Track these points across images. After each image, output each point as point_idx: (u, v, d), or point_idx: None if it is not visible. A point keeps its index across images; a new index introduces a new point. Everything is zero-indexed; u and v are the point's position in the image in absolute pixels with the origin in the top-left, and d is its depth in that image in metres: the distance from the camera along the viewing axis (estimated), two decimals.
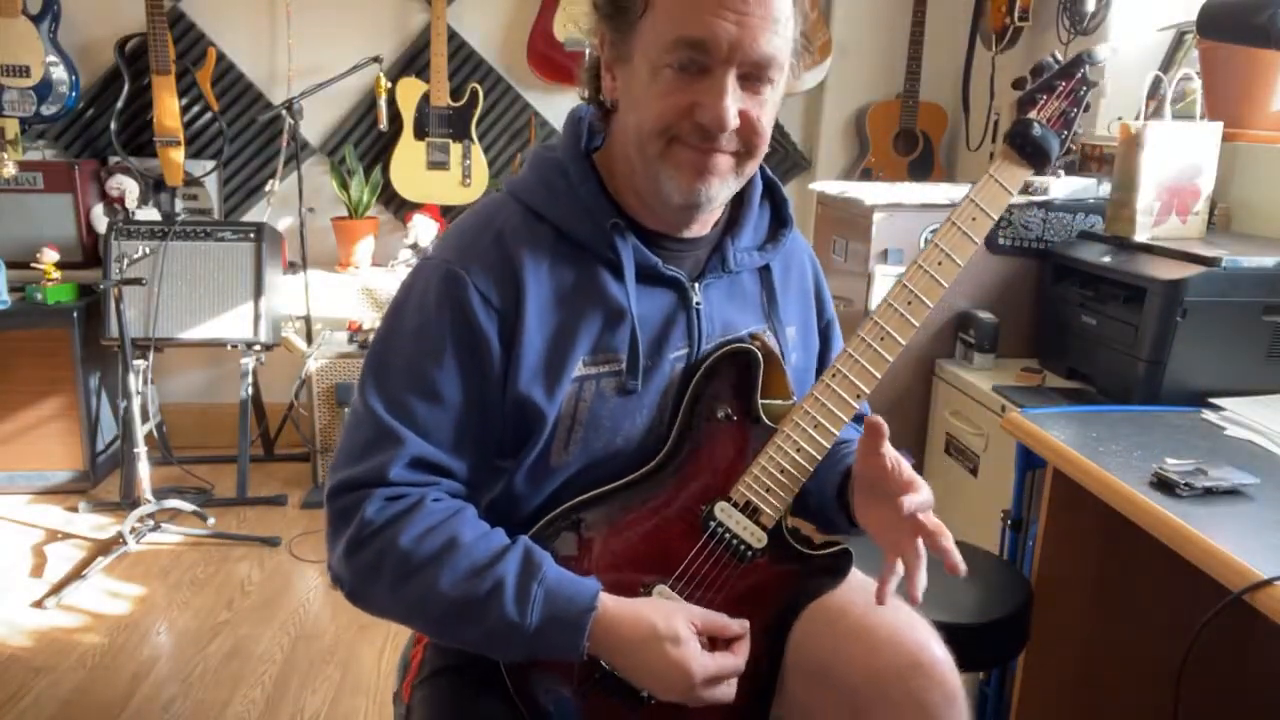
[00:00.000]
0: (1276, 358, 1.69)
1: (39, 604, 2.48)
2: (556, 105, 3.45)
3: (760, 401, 1.03)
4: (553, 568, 0.94)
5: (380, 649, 2.32)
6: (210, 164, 3.37)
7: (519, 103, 3.48)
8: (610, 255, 1.00)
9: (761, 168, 1.07)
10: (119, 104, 3.24)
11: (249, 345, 3.09)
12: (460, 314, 0.96)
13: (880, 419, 0.96)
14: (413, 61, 3.40)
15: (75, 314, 3.02)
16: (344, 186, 3.35)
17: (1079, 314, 1.93)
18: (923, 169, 3.42)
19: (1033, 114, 1.03)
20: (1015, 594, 1.48)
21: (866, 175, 3.39)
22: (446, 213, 3.42)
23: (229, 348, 3.11)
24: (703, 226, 1.06)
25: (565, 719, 1.01)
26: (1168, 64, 2.42)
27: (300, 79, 3.30)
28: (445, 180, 3.38)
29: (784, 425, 1.00)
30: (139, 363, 2.88)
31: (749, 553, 1.01)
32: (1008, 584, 1.51)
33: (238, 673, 2.21)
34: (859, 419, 1.04)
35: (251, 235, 3.08)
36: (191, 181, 3.35)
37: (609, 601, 0.93)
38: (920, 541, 0.98)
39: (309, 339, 3.26)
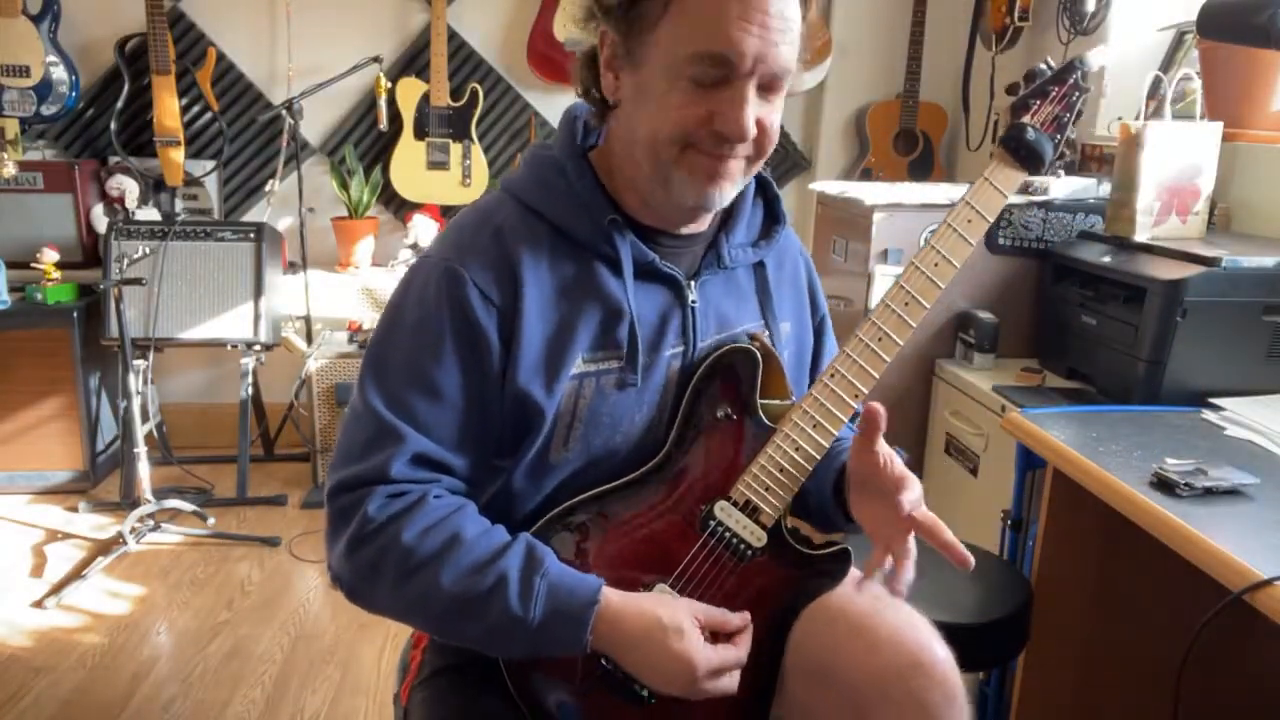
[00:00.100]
0: (1276, 358, 1.69)
1: (39, 604, 2.48)
2: (556, 105, 3.45)
3: (759, 402, 1.03)
4: (555, 563, 0.95)
5: (380, 649, 2.32)
6: (210, 164, 3.37)
7: (519, 103, 3.48)
8: (608, 251, 1.01)
9: None
10: (119, 104, 3.24)
11: (249, 345, 3.09)
12: (459, 311, 0.97)
13: (879, 406, 0.97)
14: (413, 61, 3.40)
15: (75, 314, 3.02)
16: (344, 186, 3.35)
17: (1079, 314, 1.93)
18: (923, 169, 3.42)
19: (1026, 119, 1.04)
20: (1015, 594, 1.48)
21: (866, 175, 3.39)
22: (446, 213, 3.42)
23: (229, 348, 3.11)
24: (700, 224, 1.06)
25: (566, 718, 1.01)
26: (1168, 64, 2.42)
27: (300, 79, 3.30)
28: (445, 180, 3.38)
29: (783, 425, 1.01)
30: (139, 363, 2.88)
31: (749, 552, 1.01)
32: (1008, 584, 1.51)
33: (238, 673, 2.21)
34: (854, 418, 1.04)
35: (251, 235, 3.08)
36: (191, 181, 3.35)
37: (612, 596, 0.93)
38: (911, 538, 0.99)
39: (309, 339, 3.26)
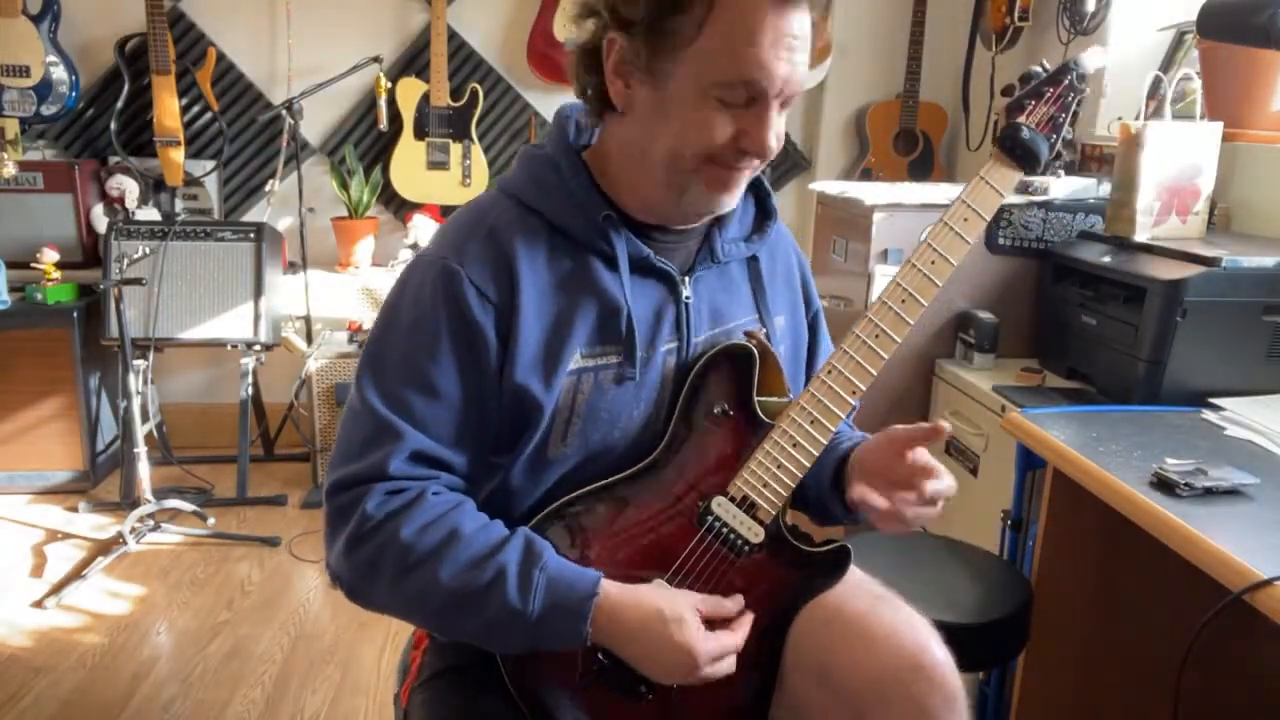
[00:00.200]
0: (1276, 358, 1.69)
1: (39, 604, 2.48)
2: (556, 105, 3.42)
3: (757, 399, 1.04)
4: (554, 556, 0.95)
5: (380, 649, 2.32)
6: (210, 164, 3.37)
7: (519, 103, 3.48)
8: (604, 247, 1.01)
9: None
10: (119, 104, 3.24)
11: (249, 345, 3.09)
12: (455, 308, 0.97)
13: (947, 427, 1.00)
14: (413, 61, 3.40)
15: (75, 314, 3.02)
16: (344, 186, 3.35)
17: (1079, 314, 1.93)
18: (923, 169, 3.42)
19: (1021, 119, 1.05)
20: (1015, 594, 1.48)
21: (866, 175, 3.39)
22: (446, 213, 3.42)
23: (229, 348, 3.11)
24: (695, 220, 1.07)
25: (565, 715, 1.01)
26: (1168, 64, 2.42)
27: (300, 79, 3.30)
28: (445, 180, 3.38)
29: (780, 421, 1.01)
30: (139, 363, 2.88)
31: (746, 547, 1.01)
32: (1008, 584, 1.51)
33: (238, 673, 2.21)
34: (850, 414, 1.05)
35: (251, 235, 3.08)
36: (191, 181, 3.35)
37: (611, 588, 0.93)
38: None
39: (309, 339, 3.26)
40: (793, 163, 3.59)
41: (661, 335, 1.04)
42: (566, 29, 3.28)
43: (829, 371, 1.01)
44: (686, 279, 1.06)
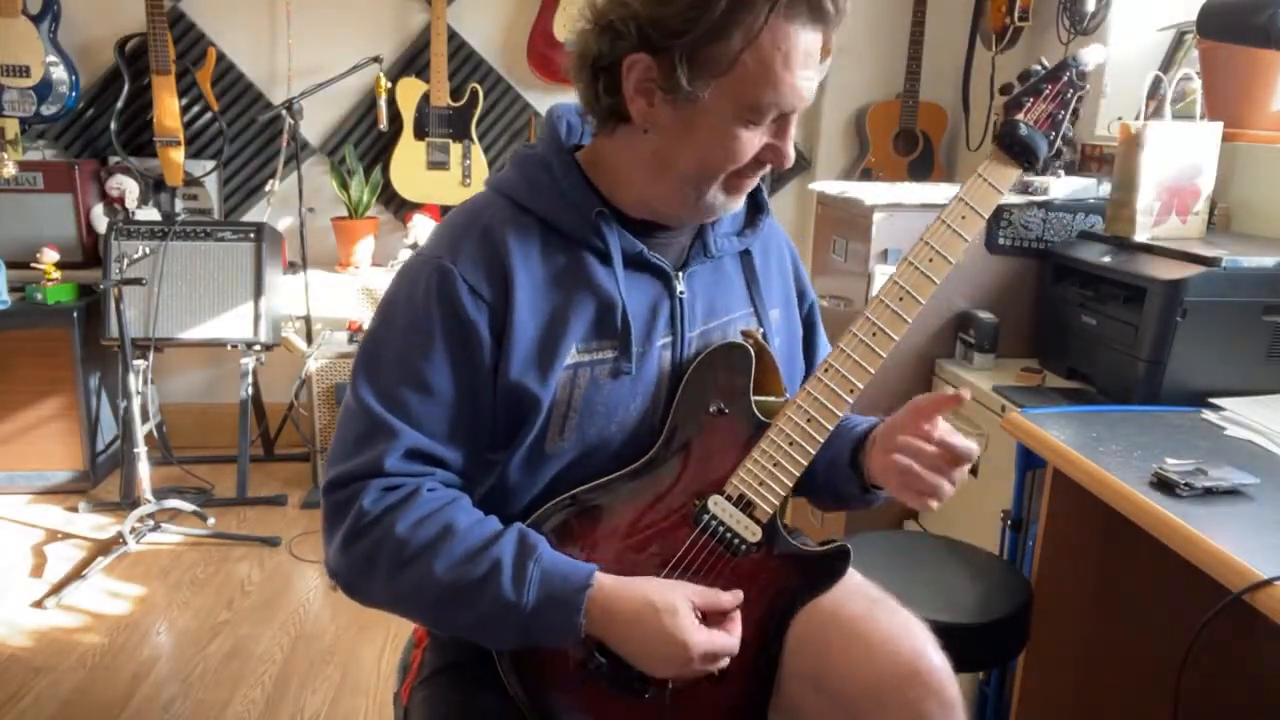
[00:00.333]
0: (1276, 358, 1.69)
1: (39, 604, 2.48)
2: None
3: (754, 398, 1.04)
4: (548, 549, 0.96)
5: (380, 649, 2.32)
6: (210, 164, 3.37)
7: (519, 103, 3.48)
8: (597, 243, 1.02)
9: None
10: (119, 104, 3.24)
11: (249, 345, 3.09)
12: (450, 307, 0.98)
13: (967, 394, 1.02)
14: (413, 61, 3.40)
15: (75, 314, 3.02)
16: (344, 186, 3.35)
17: (1079, 314, 1.93)
18: (923, 169, 3.42)
19: (1019, 116, 1.05)
20: (1015, 594, 1.48)
21: (866, 175, 3.39)
22: (446, 213, 3.42)
23: (229, 348, 3.11)
24: None
25: (563, 713, 1.01)
26: (1168, 64, 2.42)
27: (300, 79, 3.30)
28: (445, 180, 3.38)
29: (778, 420, 1.01)
30: (139, 363, 2.88)
31: (742, 546, 1.01)
32: (1008, 584, 1.51)
33: (238, 673, 2.21)
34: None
35: (251, 235, 3.08)
36: (191, 181, 3.35)
37: (605, 580, 0.94)
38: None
39: (309, 339, 3.26)
40: (792, 162, 3.59)
41: (657, 330, 1.04)
42: (566, 29, 3.28)
43: (826, 370, 1.01)
44: (680, 274, 1.06)
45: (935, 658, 0.99)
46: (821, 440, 1.01)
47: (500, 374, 0.99)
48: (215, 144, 3.39)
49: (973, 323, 2.12)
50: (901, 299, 1.02)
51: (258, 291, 3.07)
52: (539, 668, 1.00)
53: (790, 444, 1.01)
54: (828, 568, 1.04)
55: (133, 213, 3.25)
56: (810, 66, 0.94)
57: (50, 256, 3.04)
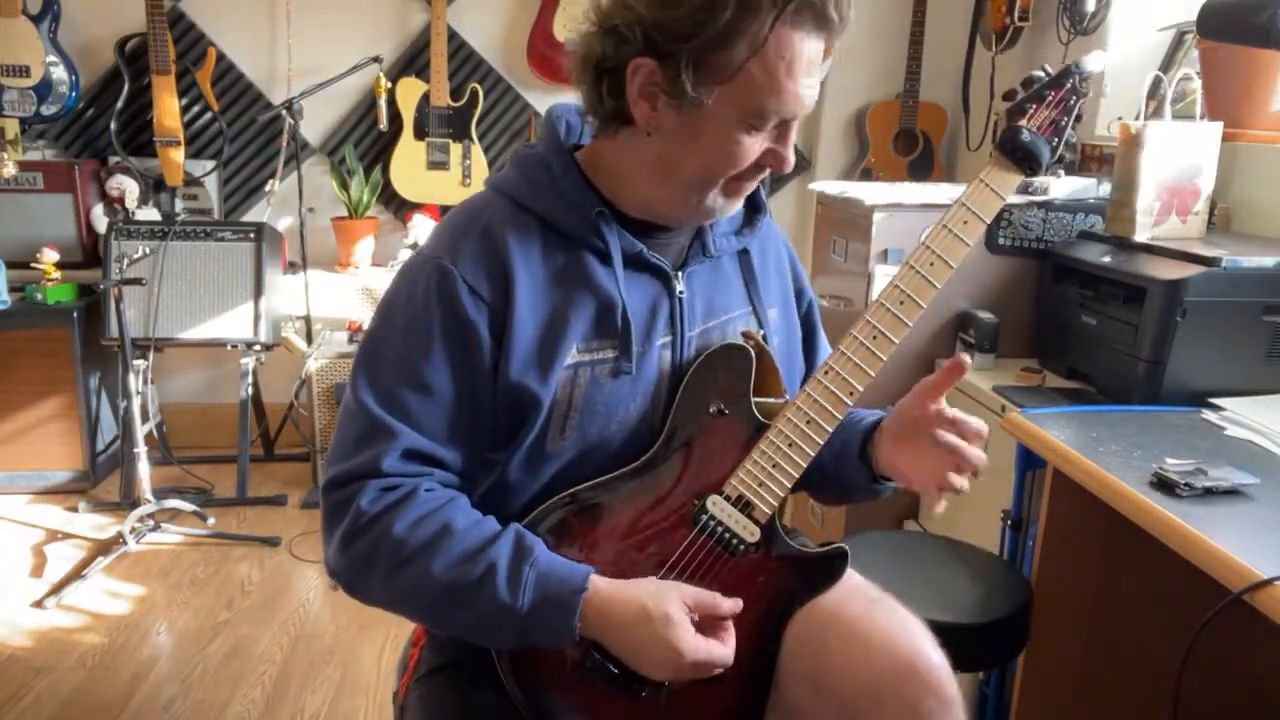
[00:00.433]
0: (1276, 358, 1.69)
1: (39, 604, 2.48)
2: None
3: (754, 399, 1.04)
4: (544, 551, 0.96)
5: (380, 649, 2.32)
6: (210, 164, 3.37)
7: (519, 103, 3.48)
8: (597, 243, 1.02)
9: None
10: (119, 104, 3.24)
11: (249, 345, 3.09)
12: (449, 307, 0.98)
13: (966, 359, 1.02)
14: (413, 61, 3.40)
15: (75, 314, 3.02)
16: (344, 186, 3.35)
17: (1079, 314, 1.93)
18: (923, 169, 3.42)
19: (1022, 122, 1.06)
20: (1015, 594, 1.48)
21: (866, 175, 3.39)
22: (446, 213, 3.42)
23: (229, 348, 3.11)
24: None
25: (560, 712, 1.01)
26: (1168, 64, 2.42)
27: (300, 79, 3.30)
28: (445, 180, 3.38)
29: (777, 421, 1.02)
30: (139, 363, 2.88)
31: (741, 546, 1.01)
32: (1008, 584, 1.51)
33: (238, 673, 2.21)
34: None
35: (251, 235, 3.08)
36: (191, 181, 3.35)
37: (600, 583, 0.94)
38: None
39: (309, 339, 3.26)
40: (792, 167, 3.59)
41: (656, 329, 1.04)
42: (566, 29, 3.28)
43: (826, 372, 1.01)
44: (679, 273, 1.07)
45: (933, 655, 0.99)
46: (821, 442, 1.01)
47: (500, 374, 0.99)
48: (215, 144, 3.39)
49: (973, 323, 2.12)
50: (902, 303, 1.02)
51: (258, 291, 3.07)
52: (536, 667, 1.00)
53: (790, 445, 1.01)
54: (826, 569, 1.04)
55: (133, 213, 3.25)
56: (813, 74, 0.95)
57: (50, 256, 3.04)
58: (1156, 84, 2.14)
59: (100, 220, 3.21)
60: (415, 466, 0.98)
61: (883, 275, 2.22)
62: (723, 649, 0.95)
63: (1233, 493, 1.23)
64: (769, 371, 1.06)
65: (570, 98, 1.08)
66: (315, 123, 3.40)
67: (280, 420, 3.38)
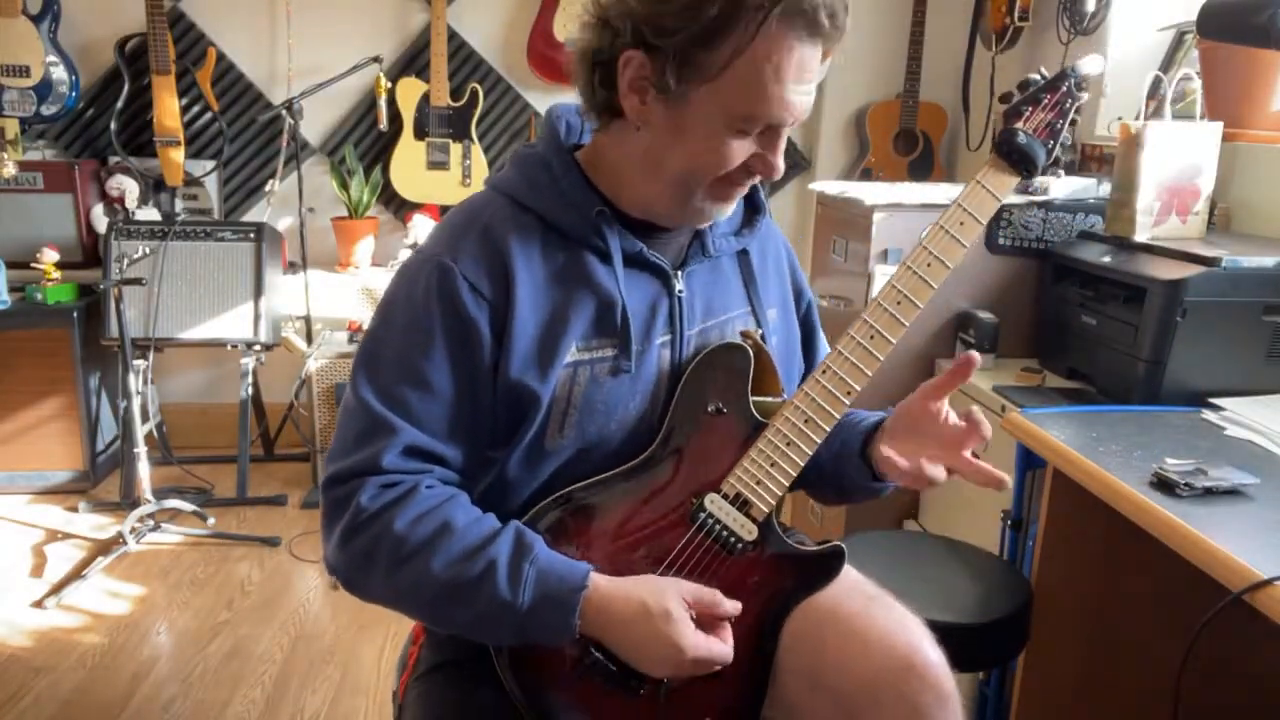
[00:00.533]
0: (1276, 358, 1.69)
1: (39, 604, 2.48)
2: None
3: (752, 398, 1.04)
4: (544, 549, 0.96)
5: (380, 649, 2.32)
6: (210, 164, 3.37)
7: (519, 103, 3.48)
8: (597, 242, 1.02)
9: None
10: (119, 104, 3.24)
11: (249, 345, 3.09)
12: (450, 305, 0.98)
13: (976, 356, 1.02)
14: (413, 61, 3.40)
15: (75, 314, 3.03)
16: (344, 186, 3.35)
17: (1079, 314, 1.93)
18: (923, 169, 3.42)
19: (1018, 124, 1.06)
20: (1015, 594, 1.48)
21: (866, 175, 3.39)
22: (446, 213, 3.42)
23: (229, 348, 3.11)
24: None
25: (559, 710, 1.01)
26: (1168, 64, 2.42)
27: (300, 79, 3.30)
28: (445, 180, 3.38)
29: (775, 420, 1.02)
30: (139, 363, 2.88)
31: (739, 545, 1.02)
32: (1008, 584, 1.51)
33: (238, 673, 2.21)
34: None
35: (251, 235, 3.08)
36: (191, 181, 3.35)
37: (600, 580, 0.94)
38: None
39: (309, 339, 3.26)
40: (793, 163, 3.59)
41: (656, 328, 1.05)
42: (566, 29, 3.28)
43: (824, 372, 1.02)
44: (679, 273, 1.07)
45: (931, 652, 0.99)
46: (819, 441, 1.01)
47: (500, 372, 0.99)
48: (215, 144, 3.39)
49: (973, 323, 2.12)
50: (899, 303, 1.02)
51: (258, 291, 3.07)
52: (535, 665, 1.01)
53: (787, 444, 1.01)
54: (823, 567, 1.05)
55: (133, 213, 3.25)
56: (804, 81, 0.93)
57: (50, 256, 3.04)
58: (1156, 84, 2.14)
59: (100, 220, 3.21)
60: (415, 463, 0.98)
61: (882, 275, 2.22)
62: (722, 646, 0.95)
63: (1233, 493, 1.23)
64: (767, 371, 1.07)
65: (570, 98, 1.08)
66: (315, 123, 3.40)
67: (280, 420, 3.38)
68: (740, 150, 0.96)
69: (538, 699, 1.01)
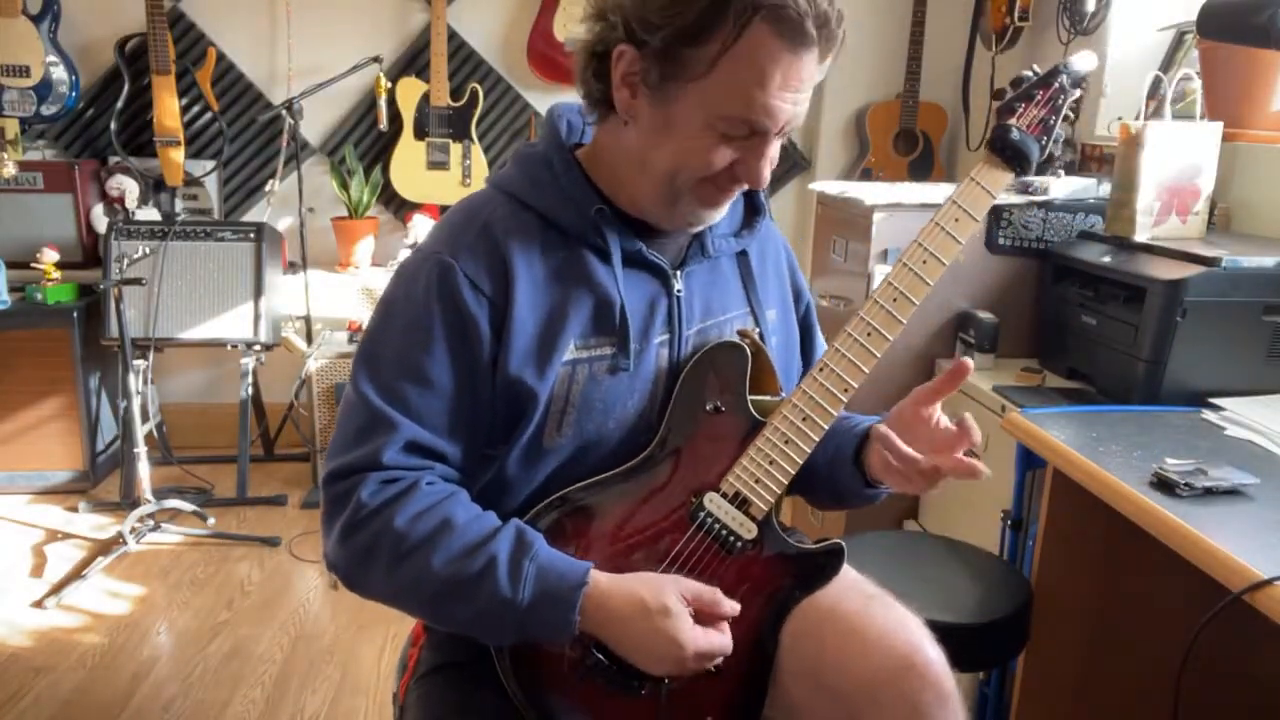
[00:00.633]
0: (1276, 358, 1.69)
1: (39, 604, 2.48)
2: None
3: (750, 397, 1.04)
4: (544, 546, 0.96)
5: (380, 649, 2.32)
6: (210, 164, 3.37)
7: (519, 103, 3.48)
8: (597, 241, 1.02)
9: None
10: (119, 104, 3.24)
11: (249, 345, 3.09)
12: (450, 301, 0.98)
13: (969, 362, 1.01)
14: (413, 61, 3.40)
15: (75, 314, 3.02)
16: (344, 186, 3.35)
17: (1079, 314, 1.93)
18: (923, 169, 3.42)
19: (1011, 121, 1.06)
20: (1015, 594, 1.48)
21: (866, 175, 3.39)
22: (446, 211, 3.42)
23: (229, 348, 3.11)
24: None
25: (560, 711, 1.01)
26: (1168, 64, 2.42)
27: (300, 79, 3.30)
28: (445, 180, 3.38)
29: (774, 418, 1.02)
30: (139, 363, 2.88)
31: (738, 544, 1.02)
32: (1008, 584, 1.51)
33: (238, 673, 2.21)
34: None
35: (251, 235, 3.08)
36: (191, 181, 3.35)
37: (600, 578, 0.94)
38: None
39: (309, 339, 3.26)
40: (793, 163, 3.59)
41: (654, 327, 1.05)
42: (566, 29, 3.28)
43: (821, 369, 1.02)
44: (678, 273, 1.07)
45: (931, 651, 0.99)
46: (817, 438, 1.01)
47: (499, 368, 0.99)
48: (215, 144, 3.39)
49: (973, 323, 2.12)
50: (896, 300, 1.02)
51: (258, 291, 3.07)
52: (536, 665, 1.01)
53: (786, 442, 1.01)
54: (823, 566, 1.05)
55: (133, 213, 3.25)
56: (791, 89, 0.92)
57: (50, 256, 3.04)
58: (1156, 84, 2.14)
59: (100, 220, 3.21)
60: (416, 459, 0.98)
61: (882, 275, 2.21)
62: (721, 637, 0.96)
63: (1233, 493, 1.23)
64: (765, 369, 1.07)
65: (570, 97, 1.08)
66: (315, 123, 3.40)
67: (280, 420, 3.38)
68: (723, 153, 0.96)
69: (539, 700, 1.01)
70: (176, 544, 2.82)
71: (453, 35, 3.37)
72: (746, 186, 1.01)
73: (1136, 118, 1.99)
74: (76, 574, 2.60)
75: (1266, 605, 1.00)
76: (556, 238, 1.03)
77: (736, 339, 1.07)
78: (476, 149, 3.36)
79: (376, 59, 3.18)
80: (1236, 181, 2.05)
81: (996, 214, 2.13)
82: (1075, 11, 2.70)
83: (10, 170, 3.01)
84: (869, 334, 1.02)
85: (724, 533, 1.02)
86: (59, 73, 3.20)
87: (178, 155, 3.23)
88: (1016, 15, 2.92)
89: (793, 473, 1.01)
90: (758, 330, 1.11)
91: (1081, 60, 1.08)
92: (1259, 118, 2.08)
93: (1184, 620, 1.15)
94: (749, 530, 1.02)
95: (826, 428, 1.01)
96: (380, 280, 3.32)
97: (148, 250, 2.95)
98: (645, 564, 1.01)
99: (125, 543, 2.72)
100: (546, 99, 3.46)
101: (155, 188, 3.32)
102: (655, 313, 1.05)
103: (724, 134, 0.94)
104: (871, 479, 1.09)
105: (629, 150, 1.00)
